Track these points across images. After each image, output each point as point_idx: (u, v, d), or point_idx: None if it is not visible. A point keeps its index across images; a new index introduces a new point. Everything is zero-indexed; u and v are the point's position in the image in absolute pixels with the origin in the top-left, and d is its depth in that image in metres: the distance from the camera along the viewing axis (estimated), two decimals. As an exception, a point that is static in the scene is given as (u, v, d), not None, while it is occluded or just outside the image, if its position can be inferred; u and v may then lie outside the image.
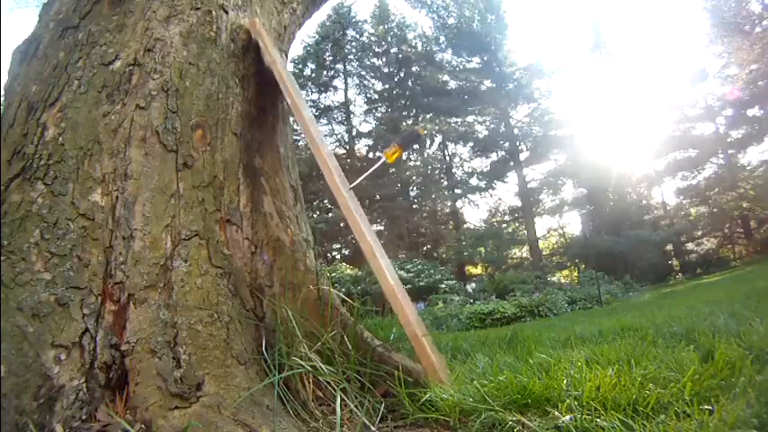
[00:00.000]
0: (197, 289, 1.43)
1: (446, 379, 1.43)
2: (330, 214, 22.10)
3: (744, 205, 20.56)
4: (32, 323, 1.17)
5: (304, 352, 1.48)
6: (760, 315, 2.09)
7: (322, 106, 26.34)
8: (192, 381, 1.25)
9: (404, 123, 24.41)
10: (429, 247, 25.16)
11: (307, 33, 25.70)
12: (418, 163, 25.83)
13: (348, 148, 26.23)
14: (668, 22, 36.96)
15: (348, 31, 26.75)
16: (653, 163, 24.06)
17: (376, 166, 2.15)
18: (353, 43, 27.23)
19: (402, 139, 1.89)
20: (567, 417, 1.06)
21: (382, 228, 24.29)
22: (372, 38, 27.14)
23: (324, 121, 26.13)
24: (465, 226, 25.90)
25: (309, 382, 1.44)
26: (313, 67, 26.12)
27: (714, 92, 22.11)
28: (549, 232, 27.07)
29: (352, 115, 26.95)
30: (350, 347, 1.58)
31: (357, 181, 1.90)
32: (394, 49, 26.72)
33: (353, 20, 26.55)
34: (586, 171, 22.10)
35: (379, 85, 27.47)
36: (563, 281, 19.70)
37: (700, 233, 23.00)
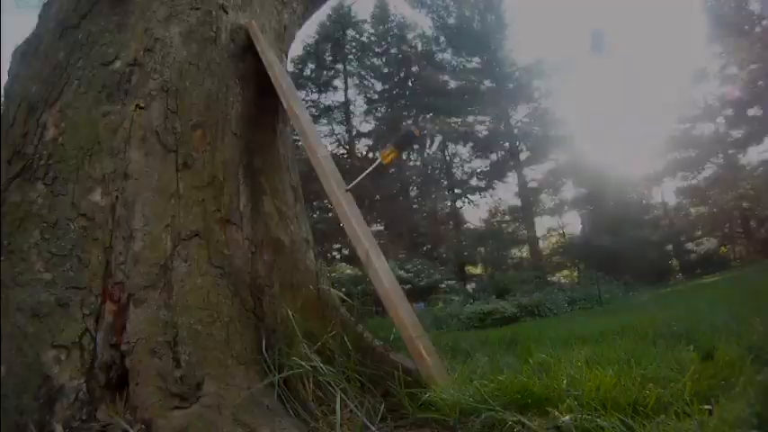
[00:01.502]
0: (197, 289, 1.43)
1: (443, 381, 1.42)
2: (330, 214, 22.05)
3: (744, 205, 20.53)
4: (32, 323, 1.17)
5: (304, 352, 1.48)
6: (760, 315, 2.09)
7: (322, 106, 26.30)
8: (192, 381, 1.25)
9: (404, 123, 24.39)
10: (429, 247, 25.13)
11: (307, 33, 25.64)
12: (418, 163, 25.82)
13: (348, 148, 26.20)
14: (668, 22, 36.93)
15: (348, 31, 26.73)
16: (653, 163, 24.06)
17: (371, 167, 2.13)
18: (353, 43, 27.20)
19: (397, 140, 1.85)
20: (567, 417, 1.06)
21: (382, 228, 24.28)
22: (372, 38, 27.13)
23: (324, 121, 26.09)
24: (465, 226, 25.87)
25: (309, 382, 1.44)
26: (313, 67, 26.09)
27: (714, 92, 22.09)
28: (549, 232, 27.01)
29: (352, 115, 26.90)
30: (350, 347, 1.58)
31: (353, 183, 1.88)
32: (394, 49, 26.71)
33: (353, 20, 26.55)
34: (586, 171, 22.07)
35: (379, 85, 27.44)
36: (563, 281, 19.69)
37: (700, 233, 22.97)
